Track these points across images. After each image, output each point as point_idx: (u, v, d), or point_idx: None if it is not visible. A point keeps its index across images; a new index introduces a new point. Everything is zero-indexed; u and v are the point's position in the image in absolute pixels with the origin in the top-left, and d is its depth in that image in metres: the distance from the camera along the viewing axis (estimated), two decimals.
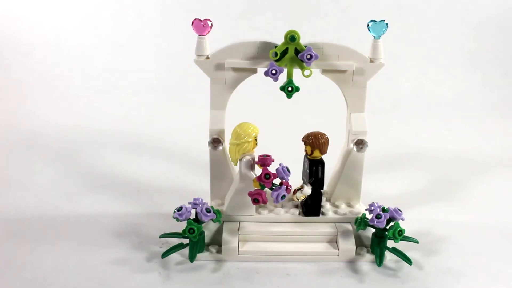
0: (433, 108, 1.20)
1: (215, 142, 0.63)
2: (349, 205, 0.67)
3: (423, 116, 1.18)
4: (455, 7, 1.29)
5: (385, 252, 0.61)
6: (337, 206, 0.67)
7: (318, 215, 0.65)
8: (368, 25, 0.63)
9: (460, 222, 0.73)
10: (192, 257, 0.59)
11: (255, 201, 0.60)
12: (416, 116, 1.18)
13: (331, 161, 0.68)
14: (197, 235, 0.59)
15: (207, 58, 0.63)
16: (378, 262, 0.60)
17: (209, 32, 0.63)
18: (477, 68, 1.28)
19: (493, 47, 1.28)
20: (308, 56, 0.60)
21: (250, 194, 0.59)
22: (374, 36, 0.63)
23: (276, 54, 0.60)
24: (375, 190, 0.78)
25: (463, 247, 0.66)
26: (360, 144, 0.64)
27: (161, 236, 0.63)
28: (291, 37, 0.60)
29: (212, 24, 0.62)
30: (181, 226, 0.61)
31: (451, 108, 1.21)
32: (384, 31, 0.63)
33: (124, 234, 0.68)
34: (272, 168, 0.60)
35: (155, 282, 0.58)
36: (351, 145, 0.64)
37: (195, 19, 0.62)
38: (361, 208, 0.67)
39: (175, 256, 0.62)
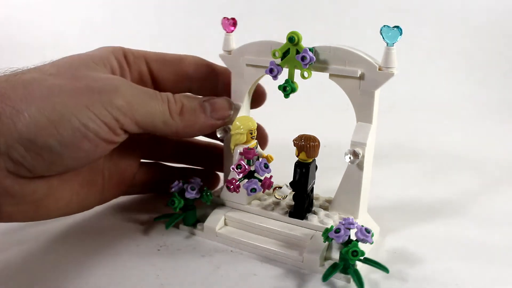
0: (432, 110, 1.25)
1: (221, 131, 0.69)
2: (341, 217, 0.64)
3: (421, 118, 1.22)
4: (453, 9, 1.30)
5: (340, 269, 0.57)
6: (328, 216, 0.64)
7: (302, 219, 0.64)
8: (381, 31, 0.59)
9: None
10: (167, 225, 0.67)
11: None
12: (414, 117, 1.22)
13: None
14: (177, 207, 0.65)
15: (230, 53, 0.69)
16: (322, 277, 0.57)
17: (234, 30, 0.68)
18: (475, 69, 1.30)
19: (492, 48, 1.30)
20: (302, 58, 0.60)
21: (226, 181, 0.63)
22: (387, 43, 0.59)
23: (276, 54, 0.62)
24: (371, 194, 0.71)
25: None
26: (350, 154, 0.60)
27: (155, 219, 0.69)
28: (290, 38, 0.61)
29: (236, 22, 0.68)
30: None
31: (449, 110, 1.24)
32: (399, 38, 0.58)
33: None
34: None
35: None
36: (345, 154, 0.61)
37: (224, 17, 0.69)
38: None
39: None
